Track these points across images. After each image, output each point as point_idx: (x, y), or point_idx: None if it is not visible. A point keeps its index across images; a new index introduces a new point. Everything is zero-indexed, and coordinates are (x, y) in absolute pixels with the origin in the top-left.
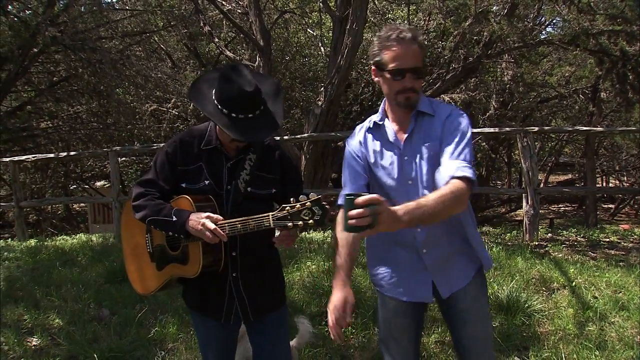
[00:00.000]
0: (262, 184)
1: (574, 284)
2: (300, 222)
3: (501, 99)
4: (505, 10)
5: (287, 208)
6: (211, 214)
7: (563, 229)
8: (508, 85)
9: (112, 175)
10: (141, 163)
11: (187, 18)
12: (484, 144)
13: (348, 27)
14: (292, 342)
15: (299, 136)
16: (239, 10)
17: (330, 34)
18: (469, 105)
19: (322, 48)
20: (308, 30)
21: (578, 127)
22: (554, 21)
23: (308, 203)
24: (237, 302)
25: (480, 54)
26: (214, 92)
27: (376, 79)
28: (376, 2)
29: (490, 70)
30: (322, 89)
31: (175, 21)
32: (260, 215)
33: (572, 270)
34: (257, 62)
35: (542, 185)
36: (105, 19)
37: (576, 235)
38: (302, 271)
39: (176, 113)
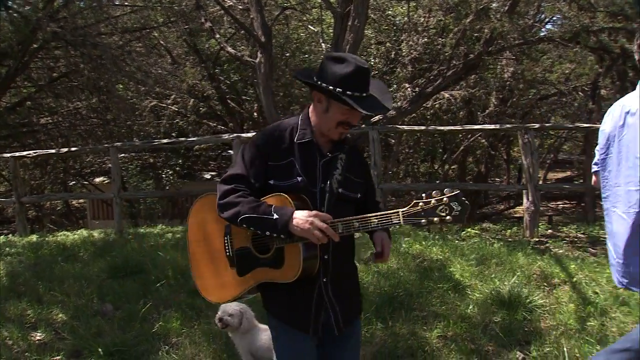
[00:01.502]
0: (351, 187)
1: (574, 279)
2: (436, 219)
3: (501, 96)
4: (506, 7)
5: (421, 203)
6: (319, 212)
7: (563, 226)
8: (508, 82)
9: (113, 172)
10: (140, 159)
11: (187, 14)
12: (484, 140)
13: (349, 23)
14: None
15: None
16: (240, 6)
17: (331, 31)
18: (468, 102)
19: (322, 44)
20: (309, 26)
21: (579, 124)
22: (554, 18)
23: (445, 198)
24: (330, 311)
25: (480, 51)
26: (316, 79)
27: None
28: None
29: (490, 67)
30: None
31: (175, 17)
32: (384, 212)
33: (573, 266)
34: (258, 58)
35: (541, 182)
36: (105, 14)
37: (576, 232)
38: None
39: (176, 109)
